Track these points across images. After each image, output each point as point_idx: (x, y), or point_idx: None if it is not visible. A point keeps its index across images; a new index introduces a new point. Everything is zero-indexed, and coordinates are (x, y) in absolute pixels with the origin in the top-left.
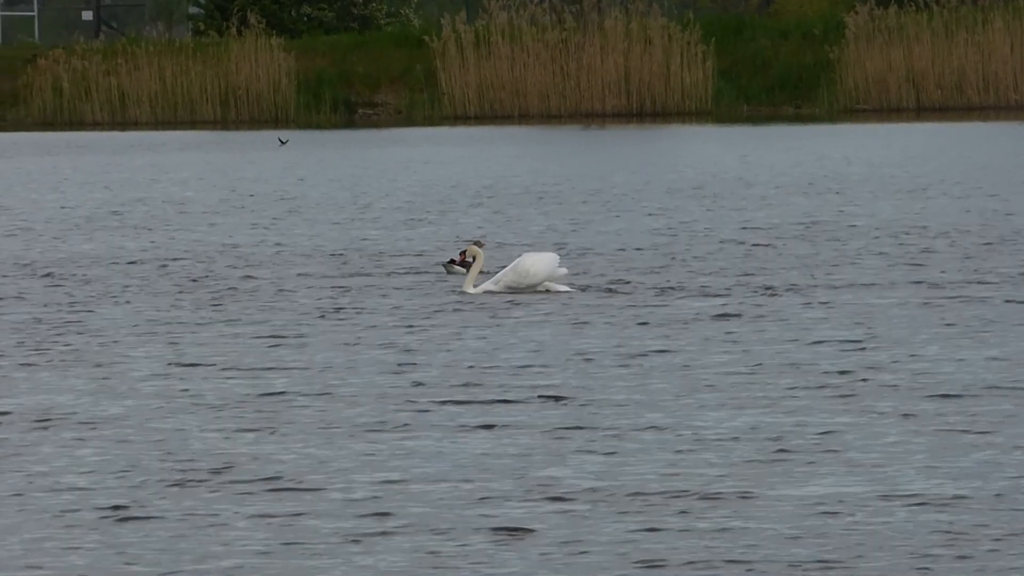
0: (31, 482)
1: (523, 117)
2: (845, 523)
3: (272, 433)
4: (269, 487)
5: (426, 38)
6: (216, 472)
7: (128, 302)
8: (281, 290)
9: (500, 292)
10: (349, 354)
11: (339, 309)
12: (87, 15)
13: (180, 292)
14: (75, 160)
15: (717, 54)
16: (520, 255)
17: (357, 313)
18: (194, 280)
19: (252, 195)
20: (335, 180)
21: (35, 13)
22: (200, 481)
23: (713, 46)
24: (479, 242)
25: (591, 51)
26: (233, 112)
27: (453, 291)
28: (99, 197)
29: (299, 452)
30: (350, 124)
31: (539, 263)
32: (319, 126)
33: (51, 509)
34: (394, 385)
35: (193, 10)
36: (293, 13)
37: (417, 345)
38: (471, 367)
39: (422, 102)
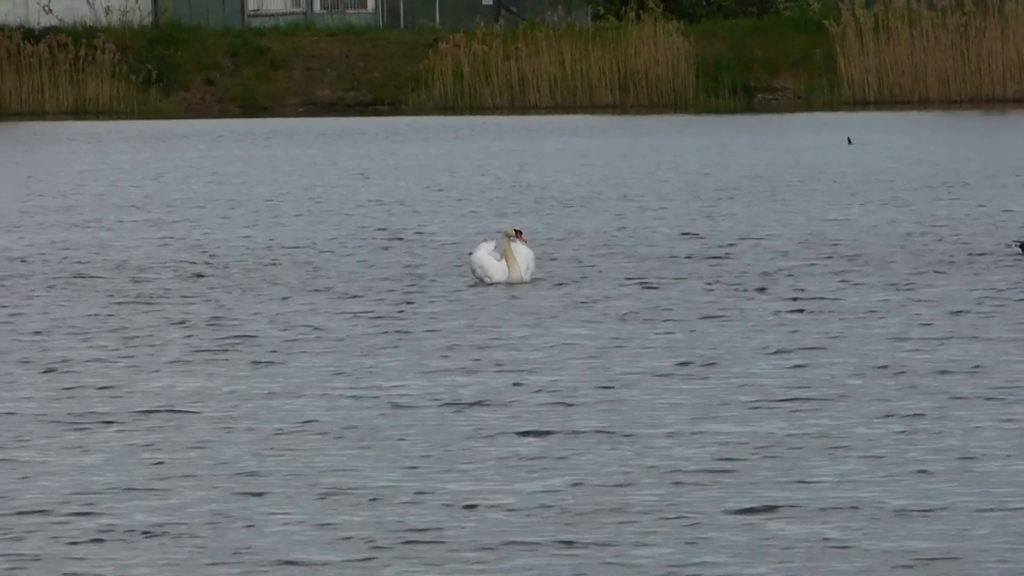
0: None
1: (923, 102)
2: None
3: None
4: None
5: (826, 22)
6: None
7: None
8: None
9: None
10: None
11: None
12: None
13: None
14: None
15: None
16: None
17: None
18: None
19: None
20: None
21: None
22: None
23: None
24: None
25: (991, 36)
26: (632, 96)
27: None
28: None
29: None
30: (749, 109)
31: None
32: (718, 111)
33: None
34: None
35: None
36: None
37: None
38: None
39: (821, 87)
